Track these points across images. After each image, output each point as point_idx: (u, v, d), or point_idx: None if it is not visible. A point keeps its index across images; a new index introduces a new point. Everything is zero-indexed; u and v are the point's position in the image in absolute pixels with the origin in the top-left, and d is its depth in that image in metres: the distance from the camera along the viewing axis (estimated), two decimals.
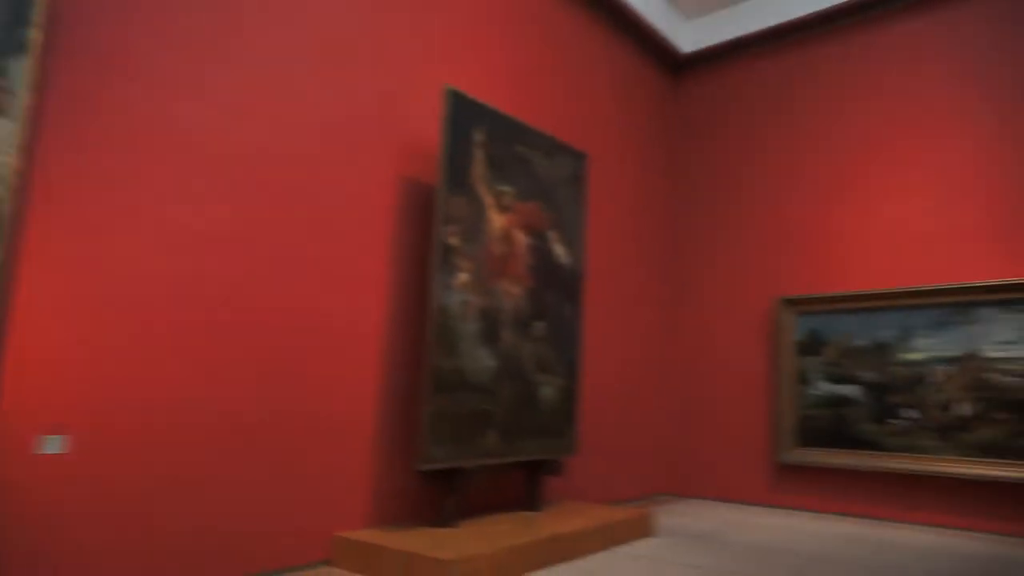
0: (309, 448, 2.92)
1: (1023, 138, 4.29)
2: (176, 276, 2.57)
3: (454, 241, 3.16)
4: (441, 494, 3.19)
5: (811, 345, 4.90)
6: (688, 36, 5.69)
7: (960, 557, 3.49)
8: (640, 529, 3.67)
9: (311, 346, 2.96)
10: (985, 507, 4.14)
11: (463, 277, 3.19)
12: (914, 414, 4.45)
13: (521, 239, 3.53)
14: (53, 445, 2.23)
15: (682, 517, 4.41)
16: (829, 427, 4.75)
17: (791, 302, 4.97)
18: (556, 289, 3.72)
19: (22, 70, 2.04)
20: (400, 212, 3.36)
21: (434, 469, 3.01)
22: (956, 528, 4.20)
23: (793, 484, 4.85)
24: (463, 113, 3.25)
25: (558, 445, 3.67)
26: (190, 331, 2.59)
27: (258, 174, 2.84)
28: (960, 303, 4.35)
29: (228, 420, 2.68)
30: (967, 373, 4.34)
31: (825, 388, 4.81)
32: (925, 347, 4.49)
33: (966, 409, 4.28)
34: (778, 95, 5.32)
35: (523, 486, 3.74)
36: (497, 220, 3.40)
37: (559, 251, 3.77)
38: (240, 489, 2.70)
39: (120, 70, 2.47)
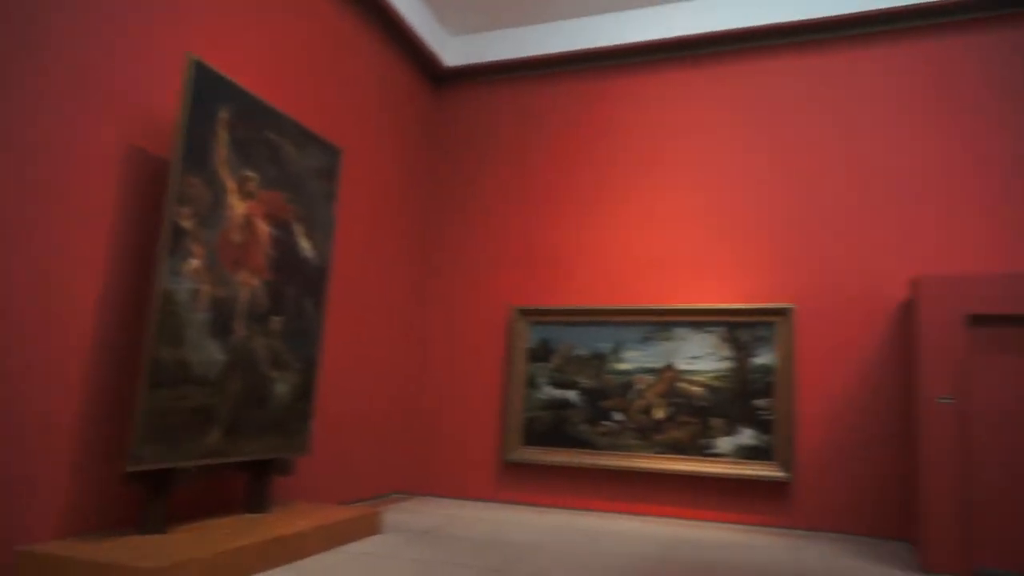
0: None
1: (721, 183, 5.14)
2: None
3: (187, 224, 2.93)
4: (150, 498, 2.92)
5: (541, 352, 5.34)
6: (453, 51, 5.90)
7: (655, 540, 4.03)
8: (367, 527, 3.69)
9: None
10: (675, 496, 4.84)
11: (195, 263, 2.97)
12: (621, 417, 5.05)
13: (264, 229, 3.38)
14: None
15: (410, 514, 4.52)
16: (551, 428, 5.20)
17: (525, 312, 5.37)
18: (298, 283, 3.62)
19: None
20: (128, 186, 3.03)
21: (144, 470, 2.75)
22: (655, 516, 4.85)
23: (518, 481, 5.22)
24: (208, 87, 3.03)
25: (290, 444, 3.56)
26: None
27: None
28: (662, 322, 5.04)
29: None
30: (664, 382, 5.04)
31: (549, 392, 5.26)
32: (633, 359, 5.12)
33: (661, 413, 4.97)
34: (532, 119, 5.74)
35: (249, 487, 3.55)
36: (239, 206, 3.22)
37: (304, 245, 3.68)
38: None
39: None
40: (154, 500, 2.88)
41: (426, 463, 5.50)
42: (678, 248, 5.16)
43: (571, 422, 5.16)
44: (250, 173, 3.29)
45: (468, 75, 5.97)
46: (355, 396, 4.82)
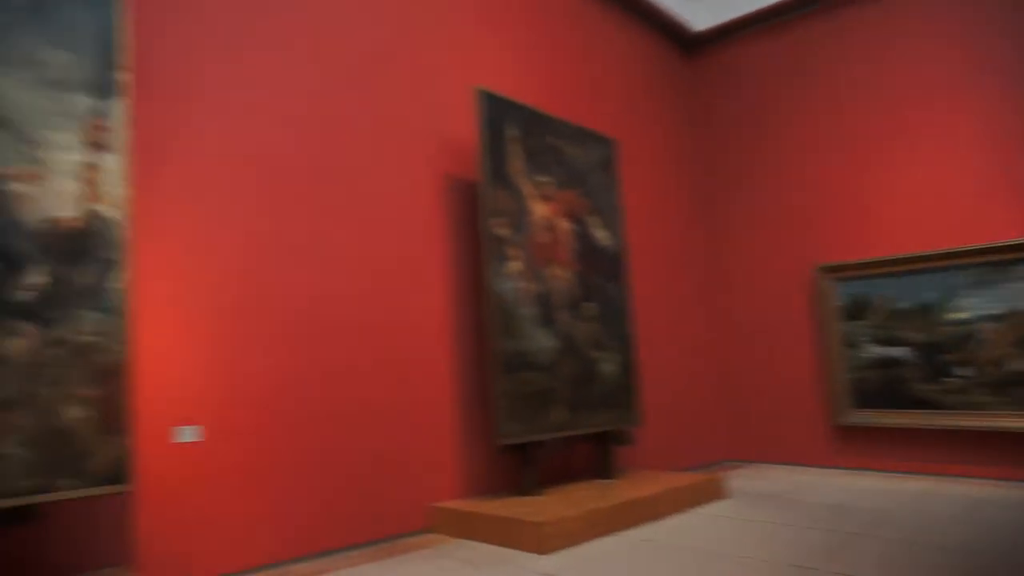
0: (401, 432, 3.20)
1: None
2: (267, 283, 2.86)
3: (503, 232, 3.37)
4: (519, 466, 3.39)
5: (854, 309, 4.98)
6: (698, 15, 5.78)
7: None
8: (713, 492, 3.78)
9: (394, 342, 3.24)
10: None
11: (514, 265, 3.40)
12: (968, 372, 4.50)
13: (564, 226, 3.74)
14: (187, 434, 2.54)
15: (751, 480, 4.51)
16: (882, 388, 4.80)
17: (830, 269, 5.07)
18: (601, 271, 3.91)
19: (118, 109, 2.31)
20: (449, 209, 3.61)
21: (511, 444, 3.21)
22: (1019, 480, 4.22)
23: (853, 445, 4.90)
24: (495, 111, 3.48)
25: (624, 416, 3.83)
26: (287, 333, 2.88)
27: (321, 185, 3.11)
28: (996, 262, 4.41)
29: (328, 410, 2.96)
30: (1014, 329, 4.38)
31: (874, 351, 4.88)
32: (970, 306, 4.54)
33: (1019, 364, 4.32)
34: (794, 66, 5.46)
35: (594, 457, 3.89)
36: (539, 210, 3.61)
37: (600, 235, 3.97)
38: (346, 470, 2.99)
39: (190, 100, 2.76)
40: (527, 468, 3.35)
41: (749, 430, 5.42)
42: (991, 177, 4.48)
43: (905, 381, 4.71)
44: (543, 178, 3.68)
45: (717, 36, 5.87)
46: (670, 370, 4.98)
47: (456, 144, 3.72)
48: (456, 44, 3.88)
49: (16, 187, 2.04)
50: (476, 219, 3.64)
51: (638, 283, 4.60)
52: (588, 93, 4.78)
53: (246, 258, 2.82)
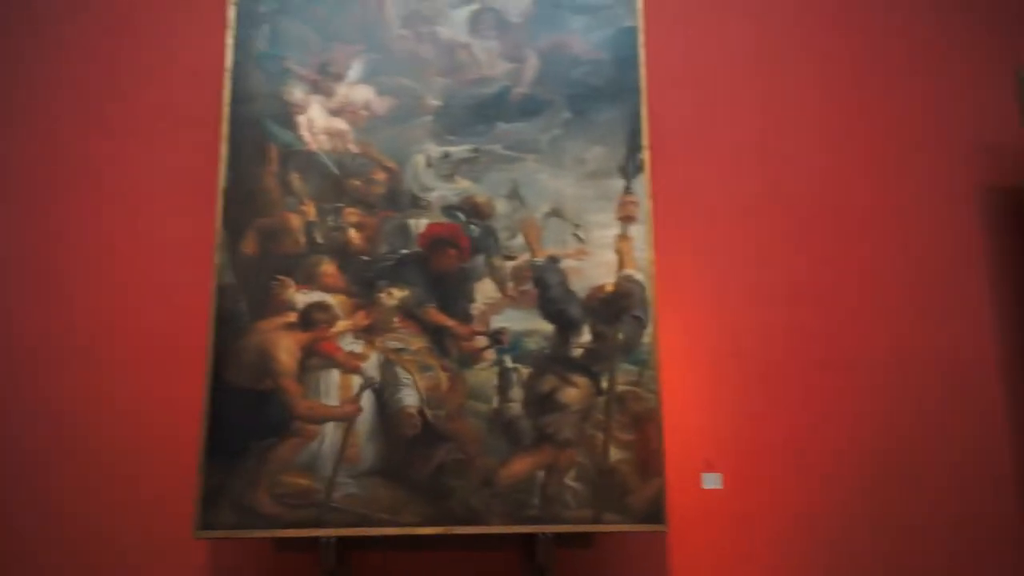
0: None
1: None
2: (773, 324, 2.83)
3: None
4: None
5: None
6: None
7: None
8: None
9: (925, 384, 2.81)
10: None
11: None
12: None
13: None
14: (712, 481, 2.67)
15: None
16: None
17: None
18: None
19: (641, 184, 2.63)
20: (987, 225, 2.98)
21: None
22: None
23: None
24: None
25: None
26: (797, 374, 2.79)
27: (825, 222, 2.94)
28: None
29: (856, 460, 2.72)
30: None
31: None
32: None
33: None
34: None
35: None
36: None
37: None
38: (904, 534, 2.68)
39: (694, 164, 2.96)
40: None
41: None
42: None
43: None
44: None
45: None
46: None
47: (992, 146, 3.07)
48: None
49: (569, 264, 2.50)
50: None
51: None
52: None
53: (748, 303, 2.85)
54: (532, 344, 2.42)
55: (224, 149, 2.43)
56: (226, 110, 2.46)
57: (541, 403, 2.35)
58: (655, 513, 2.32)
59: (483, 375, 2.37)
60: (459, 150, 2.57)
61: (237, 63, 2.50)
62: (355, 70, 2.58)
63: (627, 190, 2.58)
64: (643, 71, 2.65)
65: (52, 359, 2.60)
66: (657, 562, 2.60)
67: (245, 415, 2.24)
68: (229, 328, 2.31)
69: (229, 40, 2.51)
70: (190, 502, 2.27)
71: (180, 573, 2.45)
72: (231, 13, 2.54)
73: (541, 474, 2.29)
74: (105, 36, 2.90)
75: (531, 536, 2.30)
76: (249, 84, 2.50)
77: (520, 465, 2.30)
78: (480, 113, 2.60)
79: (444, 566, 2.51)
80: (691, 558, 2.62)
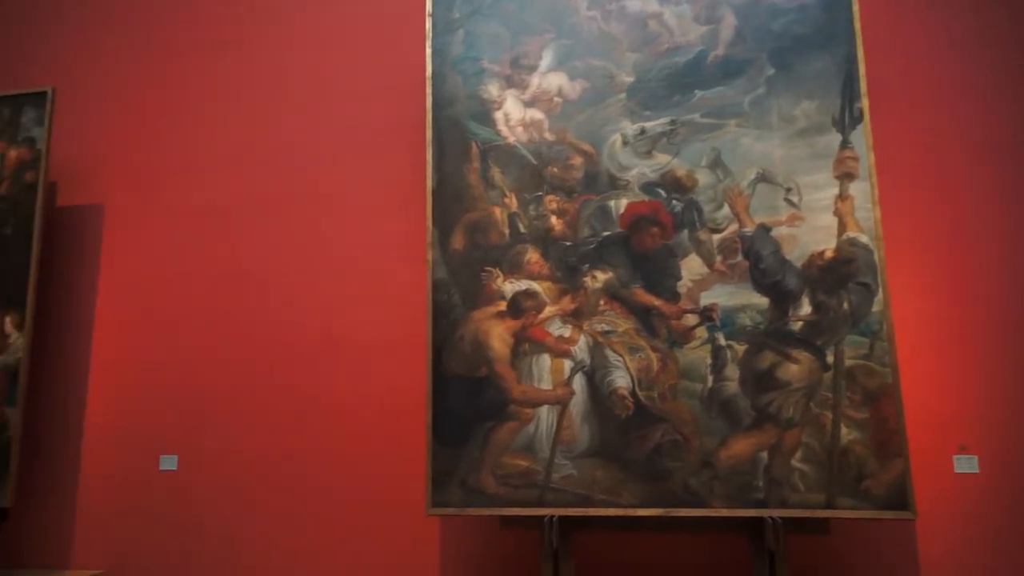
0: None
1: None
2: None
3: None
4: None
5: None
6: None
7: None
8: None
9: None
10: None
11: None
12: None
13: None
14: (965, 464, 2.38)
15: None
16: None
17: None
18: None
19: (860, 137, 2.37)
20: None
21: None
22: None
23: None
24: None
25: None
26: None
27: None
28: None
29: None
30: None
31: None
32: None
33: None
34: None
35: None
36: None
37: None
38: None
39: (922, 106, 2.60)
40: None
41: None
42: None
43: None
44: None
45: None
46: None
47: None
48: None
49: (782, 231, 2.34)
50: None
51: None
52: None
53: (1007, 266, 2.46)
54: (746, 319, 2.30)
55: (430, 152, 2.59)
56: (429, 116, 2.62)
57: (759, 381, 2.23)
58: (899, 498, 2.11)
59: (695, 354, 2.30)
60: (655, 124, 2.50)
61: (436, 70, 2.65)
62: (546, 59, 2.61)
63: (844, 144, 2.35)
64: (857, 9, 2.39)
65: (299, 356, 2.96)
66: (905, 551, 2.37)
67: (465, 401, 2.39)
68: (445, 320, 2.46)
69: (428, 50, 2.66)
70: (421, 482, 2.48)
71: (416, 547, 2.68)
72: (428, 24, 2.69)
73: (764, 455, 2.18)
74: (318, 59, 3.22)
75: (757, 520, 2.19)
76: (448, 88, 2.64)
77: (740, 446, 2.20)
78: (675, 83, 2.51)
79: (665, 548, 2.49)
80: (943, 548, 2.35)
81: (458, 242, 2.52)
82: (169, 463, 2.97)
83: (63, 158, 3.34)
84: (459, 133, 2.60)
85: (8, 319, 2.89)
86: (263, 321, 3.02)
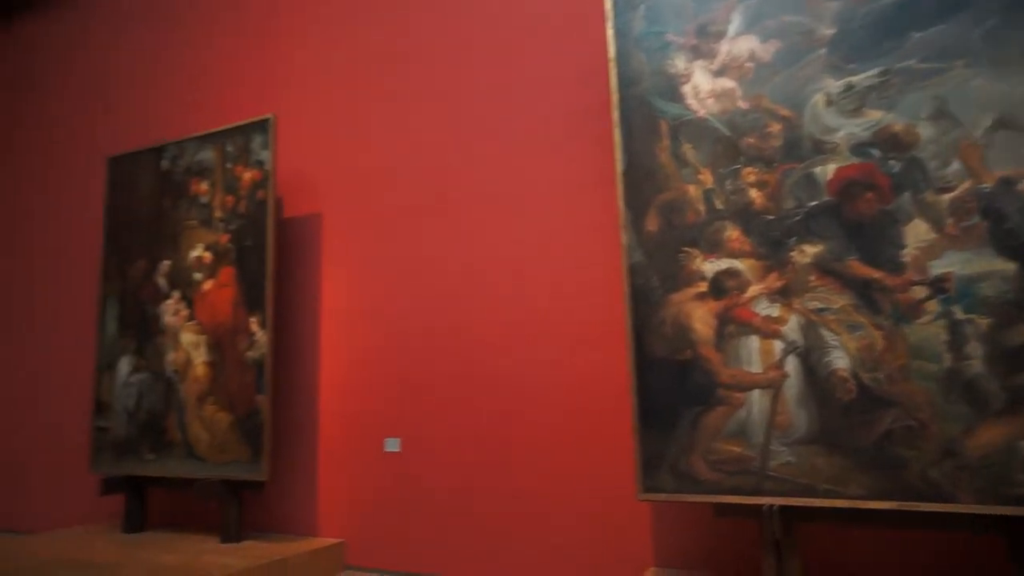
0: None
1: None
2: None
3: None
4: None
5: None
6: None
7: None
8: None
9: None
10: None
11: None
12: None
13: None
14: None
15: None
16: None
17: None
18: None
19: None
20: None
21: None
22: None
23: None
24: None
25: None
26: None
27: None
28: None
29: None
30: None
31: None
32: None
33: None
34: None
35: None
36: None
37: None
38: None
39: None
40: None
41: None
42: None
43: None
44: None
45: None
46: None
47: None
48: None
49: None
50: None
51: None
52: None
53: None
54: (988, 289, 2.02)
55: (617, 134, 2.55)
56: (615, 96, 2.58)
57: (1011, 359, 1.96)
58: None
59: (927, 330, 2.07)
60: (863, 78, 2.27)
61: (619, 49, 2.60)
62: (735, 23, 2.46)
63: None
64: None
65: (502, 344, 3.08)
66: None
67: (671, 385, 2.35)
68: (644, 304, 2.43)
69: (609, 30, 2.62)
70: (627, 466, 2.47)
71: (628, 532, 2.70)
72: (608, 3, 2.64)
73: (1022, 445, 1.91)
74: (500, 54, 3.29)
75: (1020, 519, 1.93)
76: (633, 66, 2.58)
77: (991, 434, 1.95)
78: (884, 28, 2.26)
79: (902, 545, 2.28)
80: None
81: (652, 224, 2.47)
82: (393, 445, 3.24)
83: (286, 174, 3.73)
84: (647, 112, 2.53)
85: (253, 319, 3.29)
86: (468, 312, 3.18)
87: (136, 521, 3.59)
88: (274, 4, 4.08)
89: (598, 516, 2.76)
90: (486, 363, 3.10)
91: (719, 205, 2.39)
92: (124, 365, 3.70)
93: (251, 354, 3.28)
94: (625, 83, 2.57)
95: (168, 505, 3.81)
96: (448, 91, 3.41)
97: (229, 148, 3.53)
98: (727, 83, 2.45)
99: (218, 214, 3.51)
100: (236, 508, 3.26)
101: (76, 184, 4.74)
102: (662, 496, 2.31)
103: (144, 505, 3.63)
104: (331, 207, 3.64)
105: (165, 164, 3.76)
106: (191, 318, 3.51)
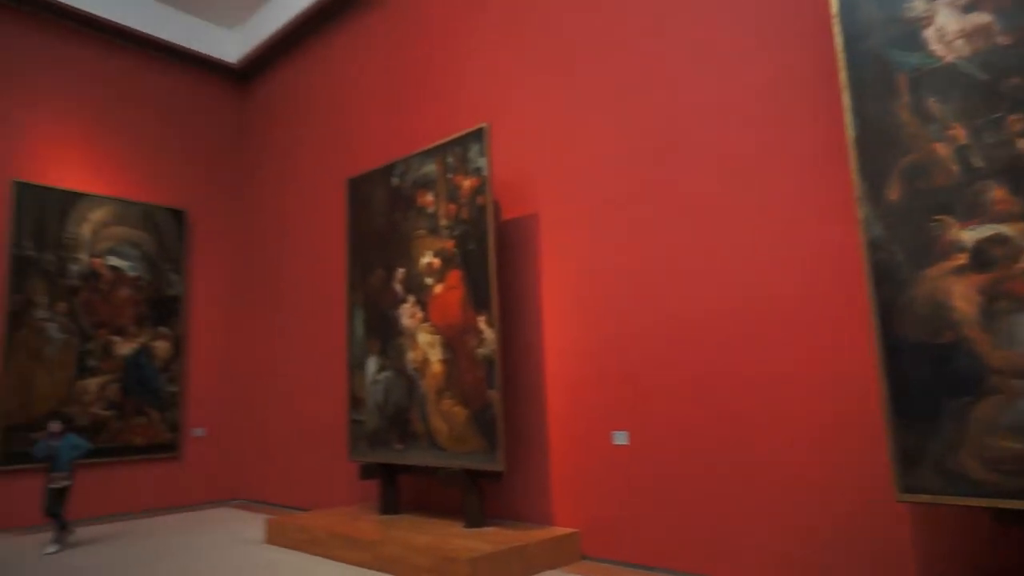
0: None
1: None
2: None
3: None
4: None
5: None
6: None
7: None
8: None
9: None
10: None
11: None
12: None
13: None
14: None
15: None
16: None
17: None
18: None
19: None
20: None
21: None
22: None
23: None
24: None
25: None
26: None
27: None
28: None
29: None
30: None
31: None
32: None
33: None
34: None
35: None
36: None
37: None
38: None
39: None
40: None
41: None
42: None
43: None
44: None
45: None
46: None
47: None
48: None
49: None
50: None
51: None
52: None
53: None
54: None
55: (846, 97, 2.30)
56: (841, 56, 2.33)
57: None
58: None
59: None
60: None
61: (843, 2, 2.33)
62: None
63: None
64: None
65: (726, 333, 2.93)
66: None
67: (928, 372, 2.07)
68: (889, 282, 2.17)
69: None
70: (877, 461, 2.22)
71: (886, 535, 2.42)
72: None
73: None
74: (707, 28, 3.12)
75: None
76: (861, 17, 2.31)
77: None
78: None
79: None
80: None
81: (894, 192, 2.20)
82: (621, 438, 3.23)
83: (502, 178, 3.88)
84: (880, 67, 2.25)
85: (481, 319, 3.47)
86: (688, 301, 3.08)
87: (391, 504, 3.97)
88: (481, 14, 4.24)
89: (844, 517, 2.52)
90: (710, 354, 2.97)
91: (977, 163, 2.06)
92: (371, 364, 4.11)
93: (481, 351, 3.46)
94: (852, 39, 2.31)
95: (414, 491, 4.16)
96: (656, 75, 3.31)
97: (449, 159, 3.76)
98: (982, 17, 2.10)
99: (443, 222, 3.75)
100: (477, 496, 3.47)
101: (322, 205, 5.34)
102: (926, 498, 2.04)
103: (396, 490, 4.00)
104: (546, 206, 3.71)
105: (395, 180, 4.10)
106: (426, 319, 3.79)
